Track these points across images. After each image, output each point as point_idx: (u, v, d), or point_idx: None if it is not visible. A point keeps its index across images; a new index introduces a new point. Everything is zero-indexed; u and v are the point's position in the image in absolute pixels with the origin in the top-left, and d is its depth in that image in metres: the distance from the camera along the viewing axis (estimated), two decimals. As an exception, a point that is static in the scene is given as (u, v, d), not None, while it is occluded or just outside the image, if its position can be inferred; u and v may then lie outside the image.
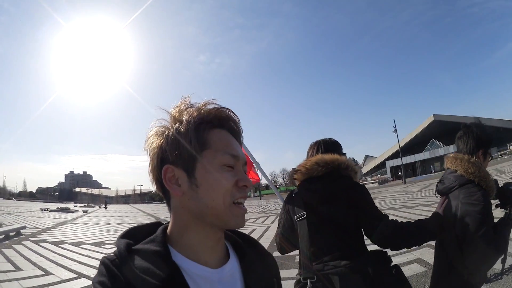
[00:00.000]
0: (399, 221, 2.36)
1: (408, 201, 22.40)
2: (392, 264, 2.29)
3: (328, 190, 2.42)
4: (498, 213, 2.39)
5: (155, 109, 1.02)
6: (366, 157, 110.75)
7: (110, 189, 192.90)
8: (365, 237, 2.40)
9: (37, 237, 17.65)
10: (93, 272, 8.69)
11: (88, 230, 21.42)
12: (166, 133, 0.97)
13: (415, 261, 7.75)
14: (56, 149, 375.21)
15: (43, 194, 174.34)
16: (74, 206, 71.81)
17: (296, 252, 2.55)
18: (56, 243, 15.01)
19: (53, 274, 8.97)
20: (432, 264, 2.73)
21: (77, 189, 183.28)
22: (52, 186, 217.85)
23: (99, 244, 14.57)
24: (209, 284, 0.92)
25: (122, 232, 0.99)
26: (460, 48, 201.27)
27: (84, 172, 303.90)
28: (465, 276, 2.33)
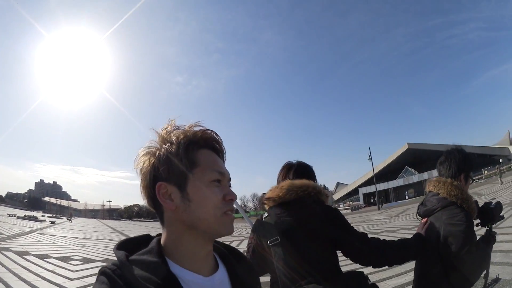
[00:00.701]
0: (380, 239, 2.40)
1: (387, 226, 22.53)
2: (370, 282, 2.26)
3: (300, 215, 2.37)
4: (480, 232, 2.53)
5: (148, 129, 1.11)
6: (338, 184, 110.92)
7: (79, 201, 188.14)
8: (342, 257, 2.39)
9: (1, 244, 16.99)
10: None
11: (55, 243, 20.64)
12: (158, 153, 1.04)
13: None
14: (29, 155, 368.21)
15: (12, 200, 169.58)
16: (42, 216, 69.86)
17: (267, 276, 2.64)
18: (20, 253, 14.32)
19: (13, 289, 8.38)
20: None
21: (46, 199, 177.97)
22: (22, 193, 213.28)
23: (65, 259, 13.84)
24: None
25: (116, 243, 1.04)
26: (437, 78, 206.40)
27: (54, 182, 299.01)
28: None
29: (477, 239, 2.45)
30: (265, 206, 2.59)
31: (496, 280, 5.07)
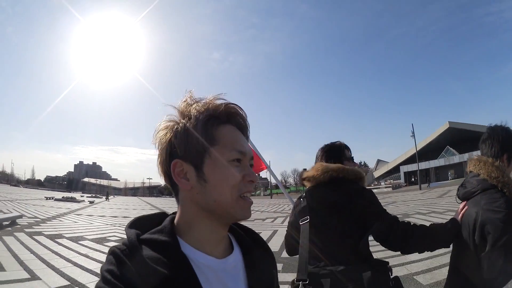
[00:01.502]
0: (411, 224, 2.38)
1: (433, 207, 21.82)
2: (392, 276, 2.25)
3: (332, 196, 2.45)
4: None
5: (163, 105, 1.06)
6: (378, 161, 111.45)
7: (119, 180, 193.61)
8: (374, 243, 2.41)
9: (33, 228, 15.97)
10: (88, 280, 7.28)
11: (92, 223, 19.72)
12: (175, 127, 0.99)
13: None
14: (67, 139, 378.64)
15: (51, 183, 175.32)
16: (81, 196, 71.17)
17: None
18: (52, 237, 13.29)
19: (40, 279, 7.28)
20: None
21: (86, 179, 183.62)
22: (61, 175, 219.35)
23: (100, 241, 12.84)
24: (214, 273, 0.95)
25: (129, 221, 1.01)
26: (474, 57, 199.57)
27: (94, 163, 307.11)
28: None
29: None
30: (305, 184, 2.70)
31: None
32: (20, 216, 19.17)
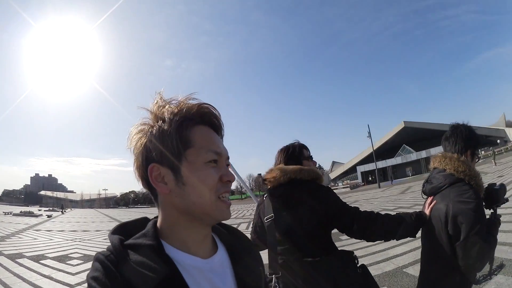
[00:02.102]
0: (374, 213, 2.49)
1: (399, 203, 22.04)
2: (359, 264, 2.40)
3: (292, 194, 2.54)
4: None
5: (137, 108, 1.04)
6: (333, 163, 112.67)
7: (75, 192, 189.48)
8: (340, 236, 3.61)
9: (-9, 247, 15.59)
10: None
11: (51, 239, 19.28)
12: (150, 131, 0.99)
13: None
14: (21, 150, 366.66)
15: (8, 197, 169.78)
16: (39, 210, 69.28)
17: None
18: (13, 257, 12.98)
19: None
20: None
21: (43, 193, 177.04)
22: (18, 189, 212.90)
23: (63, 259, 12.51)
24: (201, 273, 0.97)
25: (112, 228, 1.01)
26: (430, 59, 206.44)
27: (50, 175, 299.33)
28: (457, 278, 2.33)
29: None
30: (266, 186, 2.76)
31: (501, 266, 5.19)
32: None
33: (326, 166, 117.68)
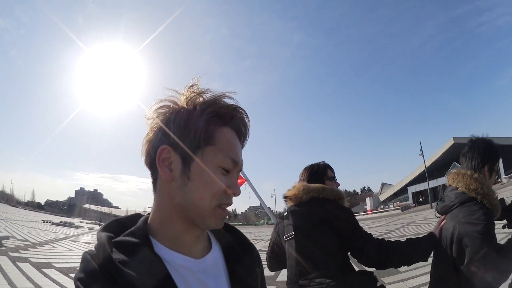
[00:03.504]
0: (385, 240, 2.48)
1: None
2: (379, 284, 2.39)
3: (312, 213, 2.56)
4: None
5: (164, 89, 0.99)
6: (383, 184, 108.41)
7: (120, 208, 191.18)
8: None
9: (20, 252, 13.76)
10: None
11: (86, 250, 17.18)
12: (177, 111, 0.94)
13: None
14: (68, 165, 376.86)
15: (51, 207, 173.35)
16: (81, 222, 68.43)
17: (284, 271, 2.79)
18: (39, 266, 11.08)
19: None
20: None
21: (86, 206, 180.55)
22: (62, 200, 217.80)
23: (96, 275, 10.46)
24: (192, 274, 0.91)
25: (105, 223, 0.98)
26: (471, 69, 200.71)
27: (95, 190, 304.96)
28: None
29: (501, 242, 2.22)
30: (287, 203, 2.84)
31: None
32: (7, 237, 16.95)
33: (376, 188, 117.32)
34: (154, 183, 0.97)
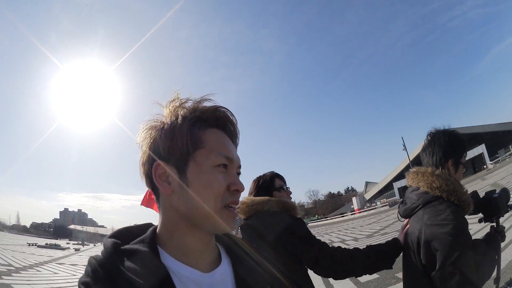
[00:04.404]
0: (341, 248, 2.41)
1: None
2: None
3: (257, 227, 2.47)
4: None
5: (151, 103, 1.03)
6: (367, 183, 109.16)
7: (105, 227, 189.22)
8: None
9: (2, 278, 13.25)
10: None
11: (75, 275, 16.90)
12: (161, 127, 0.97)
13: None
14: (50, 185, 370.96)
15: (37, 229, 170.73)
16: (67, 243, 67.57)
17: None
18: None
19: None
20: None
21: (72, 227, 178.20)
22: (47, 222, 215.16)
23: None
24: None
25: (113, 231, 0.99)
26: (445, 63, 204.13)
27: (79, 210, 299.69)
28: None
29: (473, 239, 2.06)
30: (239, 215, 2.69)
31: (510, 283, 4.23)
32: (-11, 264, 16.21)
33: (359, 188, 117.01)
34: (158, 200, 0.97)
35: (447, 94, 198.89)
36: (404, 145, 62.22)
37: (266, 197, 2.60)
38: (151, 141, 0.96)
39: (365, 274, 2.34)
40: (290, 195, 2.86)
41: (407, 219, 2.35)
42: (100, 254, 0.88)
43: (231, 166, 0.97)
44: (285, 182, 2.86)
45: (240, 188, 0.96)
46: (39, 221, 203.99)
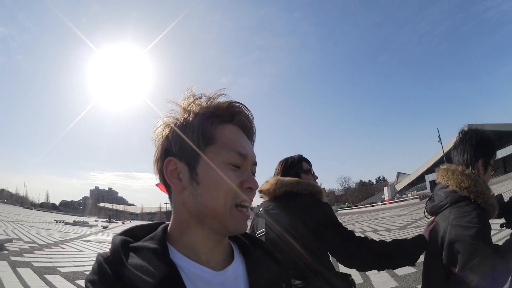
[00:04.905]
0: (368, 239, 2.32)
1: None
2: None
3: (285, 208, 2.43)
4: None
5: (166, 102, 1.02)
6: (399, 174, 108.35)
7: (135, 205, 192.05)
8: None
9: (23, 256, 12.54)
10: None
11: (100, 252, 15.95)
12: (174, 123, 0.96)
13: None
14: (82, 164, 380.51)
15: (66, 207, 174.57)
16: (96, 221, 68.08)
17: None
18: (42, 271, 9.84)
19: None
20: None
21: (102, 204, 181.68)
22: (77, 200, 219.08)
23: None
24: (208, 286, 0.87)
25: (124, 229, 0.96)
26: (480, 55, 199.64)
27: (110, 188, 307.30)
28: None
29: (494, 244, 1.98)
30: (263, 199, 2.69)
31: None
32: (10, 240, 15.78)
33: (390, 178, 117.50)
34: (170, 197, 0.96)
35: (483, 88, 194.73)
36: (439, 137, 61.18)
37: (296, 178, 2.54)
38: (164, 137, 0.94)
39: (388, 268, 2.28)
40: (316, 180, 2.79)
41: (433, 217, 2.30)
42: (108, 251, 0.85)
43: (245, 162, 0.92)
44: (311, 166, 2.81)
45: (254, 186, 0.91)
46: (69, 199, 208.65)
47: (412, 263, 2.25)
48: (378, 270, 2.29)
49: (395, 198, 79.89)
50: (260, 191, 2.62)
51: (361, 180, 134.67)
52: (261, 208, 2.70)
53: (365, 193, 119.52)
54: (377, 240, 2.36)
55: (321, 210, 2.38)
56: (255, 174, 0.98)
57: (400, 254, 2.23)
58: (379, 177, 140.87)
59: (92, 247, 18.65)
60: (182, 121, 0.94)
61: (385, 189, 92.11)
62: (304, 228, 2.30)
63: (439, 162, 64.89)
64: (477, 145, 2.20)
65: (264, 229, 2.49)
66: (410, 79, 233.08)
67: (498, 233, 2.13)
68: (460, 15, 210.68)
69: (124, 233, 0.92)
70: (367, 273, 8.55)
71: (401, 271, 8.32)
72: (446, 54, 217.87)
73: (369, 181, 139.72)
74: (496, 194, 2.13)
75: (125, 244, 0.85)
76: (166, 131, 0.95)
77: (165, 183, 0.95)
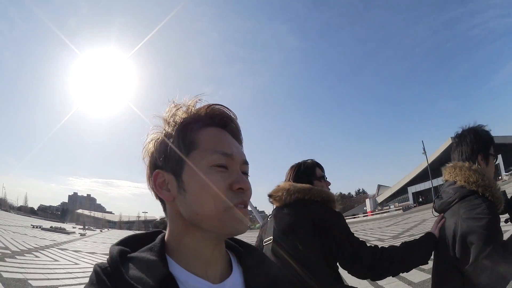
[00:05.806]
0: (379, 247, 2.26)
1: None
2: None
3: (295, 216, 2.31)
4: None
5: (153, 117, 1.02)
6: (379, 186, 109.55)
7: (113, 213, 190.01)
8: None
9: (-7, 265, 11.48)
10: None
11: (77, 263, 15.28)
12: (156, 139, 0.96)
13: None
14: (61, 169, 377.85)
15: (44, 212, 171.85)
16: (73, 227, 67.07)
17: None
18: (10, 283, 8.88)
19: None
20: None
21: (80, 211, 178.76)
22: (55, 205, 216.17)
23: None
24: None
25: (121, 238, 0.96)
26: (463, 71, 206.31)
27: (88, 195, 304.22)
28: None
29: (503, 237, 1.96)
30: (272, 204, 2.61)
31: None
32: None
33: (370, 191, 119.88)
34: (165, 210, 0.95)
35: (466, 102, 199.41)
36: (424, 149, 62.72)
37: (308, 185, 2.41)
38: (150, 154, 0.94)
39: (403, 272, 2.20)
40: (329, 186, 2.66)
41: (442, 214, 2.28)
42: (105, 261, 0.83)
43: (232, 162, 0.89)
44: (324, 172, 2.68)
45: (245, 186, 0.87)
46: (47, 204, 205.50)
47: (425, 262, 2.21)
48: (393, 276, 2.25)
49: (376, 210, 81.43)
50: (270, 196, 2.51)
51: (341, 193, 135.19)
52: (270, 215, 2.60)
53: (345, 205, 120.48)
54: (387, 247, 2.28)
55: (334, 218, 2.29)
56: (248, 174, 0.94)
57: (414, 255, 2.19)
58: (359, 190, 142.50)
59: (68, 257, 17.71)
60: (164, 133, 0.93)
61: (367, 201, 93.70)
62: (315, 237, 2.20)
63: (420, 175, 68.20)
64: (472, 141, 2.22)
65: (271, 237, 2.35)
66: (393, 94, 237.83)
67: (503, 228, 1.88)
68: (445, 32, 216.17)
69: (121, 242, 0.91)
70: (379, 283, 8.33)
71: (416, 277, 8.26)
72: (430, 69, 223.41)
73: (349, 193, 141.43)
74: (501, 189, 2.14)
75: (123, 255, 0.84)
76: (151, 146, 0.94)
77: (158, 197, 0.94)
